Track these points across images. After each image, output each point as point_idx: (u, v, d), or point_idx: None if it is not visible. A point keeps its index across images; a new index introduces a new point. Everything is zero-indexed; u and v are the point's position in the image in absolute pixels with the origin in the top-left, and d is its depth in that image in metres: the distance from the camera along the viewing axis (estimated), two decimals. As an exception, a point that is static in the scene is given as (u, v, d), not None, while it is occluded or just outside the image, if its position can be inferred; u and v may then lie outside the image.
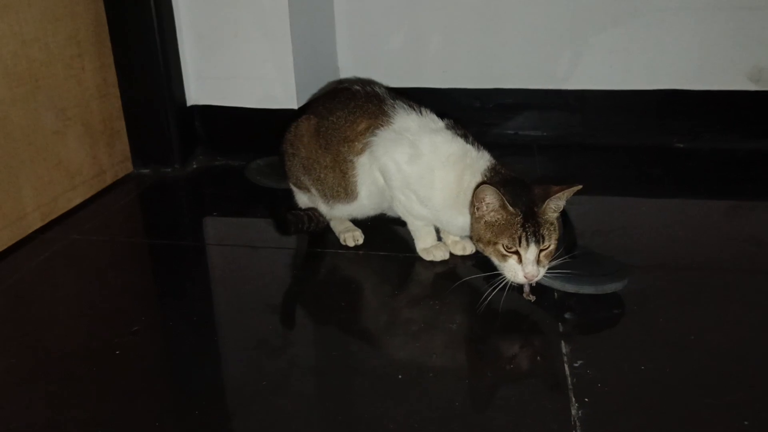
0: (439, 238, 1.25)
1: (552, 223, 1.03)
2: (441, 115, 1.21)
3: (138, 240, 1.41)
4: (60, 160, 1.46)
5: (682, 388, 0.88)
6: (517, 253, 1.02)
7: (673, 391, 0.87)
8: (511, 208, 1.01)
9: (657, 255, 1.24)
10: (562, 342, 0.98)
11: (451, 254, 1.23)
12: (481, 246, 1.07)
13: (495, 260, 1.05)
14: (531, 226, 1.00)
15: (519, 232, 1.00)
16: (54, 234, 1.39)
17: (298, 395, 0.90)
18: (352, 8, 1.85)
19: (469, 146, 1.13)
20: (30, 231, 1.37)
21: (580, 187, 1.02)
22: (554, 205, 1.03)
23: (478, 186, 1.04)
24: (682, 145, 1.80)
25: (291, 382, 0.92)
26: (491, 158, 1.12)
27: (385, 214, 1.31)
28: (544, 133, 1.85)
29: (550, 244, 1.02)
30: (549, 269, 1.07)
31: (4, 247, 1.31)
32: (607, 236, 1.30)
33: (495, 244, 1.03)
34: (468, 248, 1.23)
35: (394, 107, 1.19)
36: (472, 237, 1.09)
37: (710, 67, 1.74)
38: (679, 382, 0.89)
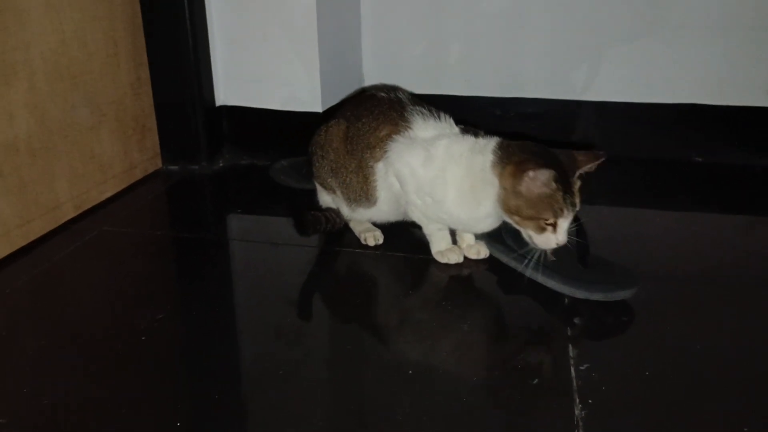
0: (455, 242, 1.28)
1: (578, 190, 1.07)
2: (459, 122, 1.25)
3: (164, 233, 1.47)
4: (93, 154, 1.53)
5: (685, 394, 0.90)
6: (554, 224, 1.06)
7: (676, 396, 0.90)
8: (556, 185, 1.03)
9: (668, 265, 1.26)
10: (570, 345, 1.00)
11: (466, 258, 1.27)
12: (516, 219, 1.09)
13: (531, 232, 1.08)
14: (569, 196, 1.05)
15: (561, 204, 1.04)
16: (86, 225, 1.45)
17: (311, 384, 0.94)
18: (378, 17, 1.90)
19: (478, 139, 1.16)
20: (63, 221, 1.44)
21: (605, 158, 1.08)
22: (581, 175, 1.09)
23: (518, 163, 1.06)
24: (700, 159, 1.81)
25: (305, 372, 0.96)
26: (499, 138, 1.15)
27: (403, 221, 1.35)
28: (565, 143, 1.87)
29: (578, 208, 1.07)
30: (559, 275, 1.11)
31: (39, 235, 1.37)
32: (620, 245, 1.33)
33: (537, 219, 1.06)
34: (482, 252, 1.26)
35: (414, 113, 1.23)
36: (505, 209, 1.09)
37: (730, 82, 1.75)
38: (682, 388, 0.91)
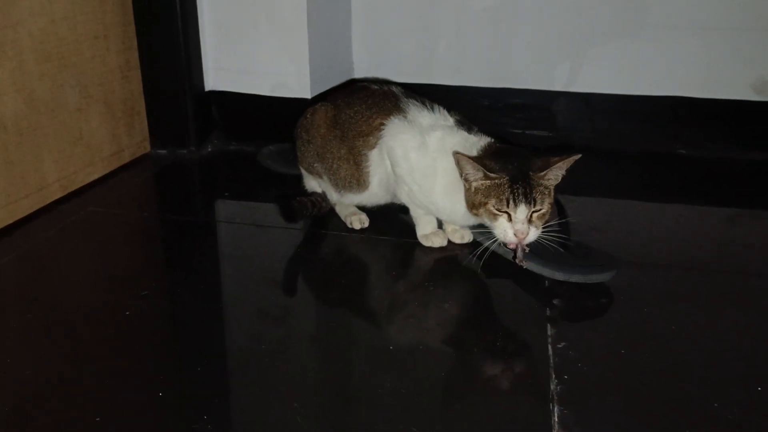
0: (440, 227, 1.30)
1: (546, 188, 1.08)
2: (451, 111, 1.26)
3: (152, 215, 1.47)
4: (81, 135, 1.53)
5: (658, 372, 0.92)
6: (507, 213, 1.07)
7: (649, 375, 0.92)
8: (491, 174, 1.06)
9: (649, 253, 1.28)
10: (548, 325, 1.02)
11: (450, 242, 1.28)
12: (474, 211, 1.11)
13: (488, 221, 1.10)
14: (520, 187, 1.05)
15: (506, 193, 1.06)
16: (72, 206, 1.46)
17: (294, 361, 0.95)
18: (368, 6, 1.91)
19: (470, 135, 1.18)
20: (50, 201, 1.44)
21: (579, 156, 1.07)
22: (553, 175, 1.08)
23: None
24: (685, 152, 1.83)
25: (288, 349, 0.98)
26: (491, 139, 1.17)
27: (392, 204, 1.36)
28: (551, 134, 1.89)
29: (543, 207, 1.07)
30: (540, 257, 1.13)
31: (25, 214, 1.37)
32: (602, 233, 1.34)
33: (485, 204, 1.08)
34: (466, 237, 1.28)
35: (408, 104, 1.25)
36: (467, 206, 1.12)
37: (716, 76, 1.77)
38: (656, 367, 0.93)
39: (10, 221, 1.33)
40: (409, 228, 1.31)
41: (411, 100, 1.26)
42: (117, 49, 1.62)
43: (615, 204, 1.56)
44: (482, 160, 1.09)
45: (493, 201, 1.07)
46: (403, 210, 1.32)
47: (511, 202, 1.06)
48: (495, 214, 1.08)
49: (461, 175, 1.11)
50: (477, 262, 1.14)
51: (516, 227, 1.06)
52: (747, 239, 1.37)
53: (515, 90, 1.89)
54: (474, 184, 1.09)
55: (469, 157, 1.08)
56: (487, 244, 1.13)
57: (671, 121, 1.83)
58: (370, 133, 1.26)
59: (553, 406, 0.84)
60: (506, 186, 1.06)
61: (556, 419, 0.82)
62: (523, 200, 1.05)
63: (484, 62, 1.89)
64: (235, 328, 1.04)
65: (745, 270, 1.22)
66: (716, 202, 1.56)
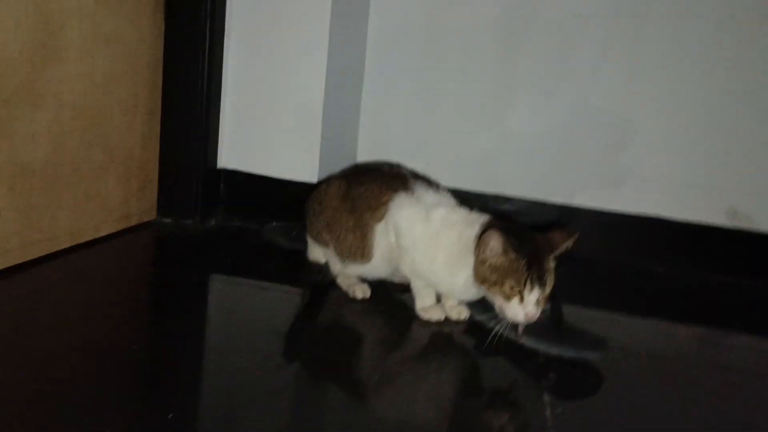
0: (439, 301, 1.36)
1: (552, 270, 1.15)
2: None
3: (149, 274, 1.53)
4: (98, 193, 1.59)
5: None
6: (520, 294, 1.12)
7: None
8: (515, 254, 1.12)
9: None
10: (542, 396, 1.07)
11: (447, 318, 1.33)
12: (485, 286, 1.16)
13: (498, 300, 1.15)
14: (536, 271, 1.12)
15: (525, 275, 1.11)
16: (78, 256, 1.49)
17: (278, 426, 0.96)
18: (375, 111, 2.07)
19: (471, 213, 1.28)
20: (58, 249, 1.48)
21: (578, 234, 1.16)
22: (557, 255, 1.16)
23: (483, 231, 1.16)
24: (661, 269, 1.95)
25: (272, 415, 0.97)
26: (490, 216, 1.26)
27: (391, 281, 1.43)
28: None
29: (550, 289, 1.14)
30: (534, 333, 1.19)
31: (34, 257, 1.41)
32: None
33: (501, 285, 1.13)
34: (463, 313, 1.33)
35: (416, 185, 1.36)
36: (476, 278, 1.18)
37: (691, 201, 1.93)
38: None
39: (21, 260, 1.37)
40: (406, 302, 1.36)
41: (418, 181, 1.37)
42: (143, 118, 1.73)
43: (588, 314, 1.60)
44: (508, 238, 1.13)
45: (510, 282, 1.12)
46: (403, 289, 1.37)
47: (528, 284, 1.11)
48: (509, 296, 1.13)
49: (477, 247, 1.16)
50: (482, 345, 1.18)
51: (527, 309, 1.12)
52: (716, 359, 1.42)
53: (506, 197, 2.02)
54: (491, 260, 1.15)
55: (500, 234, 1.12)
56: (496, 328, 1.16)
57: (648, 239, 1.96)
58: (378, 207, 1.35)
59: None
60: (524, 268, 1.12)
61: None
62: (538, 283, 1.12)
63: (477, 168, 2.04)
64: (221, 386, 1.05)
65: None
66: (686, 320, 1.62)
